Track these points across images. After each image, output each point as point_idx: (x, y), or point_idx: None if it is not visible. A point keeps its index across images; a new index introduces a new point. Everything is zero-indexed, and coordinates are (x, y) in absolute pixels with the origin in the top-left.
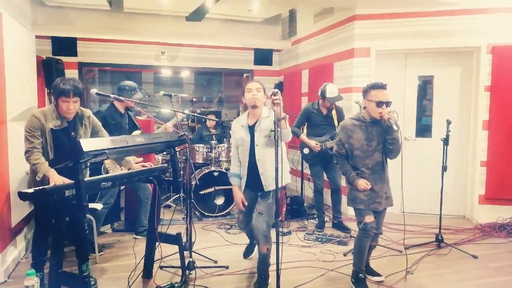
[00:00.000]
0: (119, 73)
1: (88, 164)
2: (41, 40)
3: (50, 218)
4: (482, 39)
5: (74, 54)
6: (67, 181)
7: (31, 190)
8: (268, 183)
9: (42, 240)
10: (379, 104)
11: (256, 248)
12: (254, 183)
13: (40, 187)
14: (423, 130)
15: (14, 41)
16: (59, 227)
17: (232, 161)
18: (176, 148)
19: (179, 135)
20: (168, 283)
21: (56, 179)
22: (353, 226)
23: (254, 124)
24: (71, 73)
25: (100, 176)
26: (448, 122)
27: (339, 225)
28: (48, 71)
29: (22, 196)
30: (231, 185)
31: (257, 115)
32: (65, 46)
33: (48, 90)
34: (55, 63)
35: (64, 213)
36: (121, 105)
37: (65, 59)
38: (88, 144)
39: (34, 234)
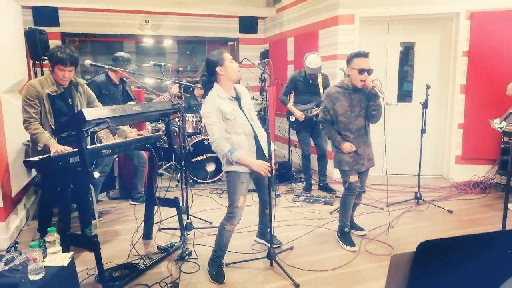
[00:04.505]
0: (100, 43)
1: (89, 133)
2: (22, 10)
3: (56, 185)
4: (461, 5)
5: (56, 24)
6: (68, 149)
7: (36, 158)
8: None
9: (48, 206)
10: (361, 71)
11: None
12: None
13: (45, 155)
14: (405, 95)
15: (1, 12)
16: (65, 192)
17: (223, 142)
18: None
19: (173, 104)
20: (168, 243)
21: (57, 147)
22: (338, 188)
23: (236, 97)
24: (55, 44)
25: (100, 144)
26: (427, 87)
27: (325, 187)
28: (32, 42)
29: (28, 164)
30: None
31: (232, 87)
32: (46, 16)
33: (33, 62)
34: (38, 33)
35: (69, 179)
36: (115, 76)
37: (47, 29)
38: (90, 113)
39: (40, 202)
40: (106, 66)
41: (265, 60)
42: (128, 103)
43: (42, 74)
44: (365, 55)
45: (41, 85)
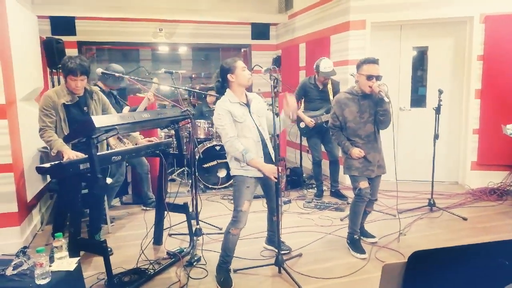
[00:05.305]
0: (116, 51)
1: (100, 140)
2: (39, 20)
3: (68, 190)
4: (475, 8)
5: (73, 33)
6: (80, 155)
7: (47, 165)
8: None
9: (63, 212)
10: (369, 78)
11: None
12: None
13: (56, 162)
14: (418, 100)
15: (18, 23)
16: (76, 198)
17: (236, 142)
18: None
19: (182, 110)
20: (177, 248)
21: (70, 153)
22: (350, 194)
23: (247, 104)
24: (71, 53)
25: (111, 151)
26: (440, 92)
27: (336, 193)
28: (49, 51)
29: (40, 170)
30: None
31: (243, 93)
32: (63, 25)
33: (50, 70)
34: (55, 42)
35: (80, 185)
36: (104, 85)
37: (64, 38)
38: (99, 120)
39: (55, 207)
40: (117, 75)
41: (271, 66)
42: (124, 108)
43: (59, 82)
44: (374, 61)
45: (57, 95)
